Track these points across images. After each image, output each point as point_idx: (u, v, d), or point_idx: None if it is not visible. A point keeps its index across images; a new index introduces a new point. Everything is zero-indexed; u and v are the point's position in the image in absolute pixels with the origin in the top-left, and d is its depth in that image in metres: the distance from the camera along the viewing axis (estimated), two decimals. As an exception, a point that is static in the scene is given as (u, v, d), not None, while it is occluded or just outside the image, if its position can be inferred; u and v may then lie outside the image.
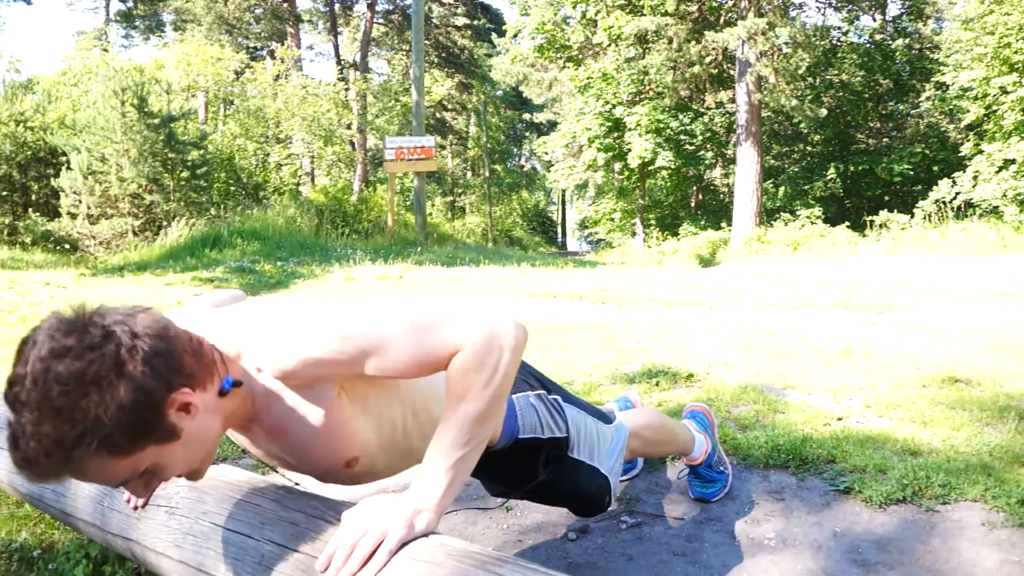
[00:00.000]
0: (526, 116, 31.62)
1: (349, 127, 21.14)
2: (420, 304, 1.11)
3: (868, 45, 19.71)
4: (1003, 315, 4.88)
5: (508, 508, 2.06)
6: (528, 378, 1.56)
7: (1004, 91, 13.12)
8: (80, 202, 12.88)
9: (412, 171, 15.27)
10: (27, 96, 16.37)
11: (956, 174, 14.44)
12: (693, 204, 22.26)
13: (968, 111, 14.24)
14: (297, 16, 25.66)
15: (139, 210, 12.96)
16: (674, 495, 2.12)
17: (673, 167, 19.28)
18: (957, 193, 14.13)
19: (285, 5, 24.97)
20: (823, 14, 20.25)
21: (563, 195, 38.68)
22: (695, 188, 22.19)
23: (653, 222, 21.25)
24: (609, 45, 18.09)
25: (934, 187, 14.67)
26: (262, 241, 12.02)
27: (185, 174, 13.61)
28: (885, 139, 20.15)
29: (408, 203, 18.91)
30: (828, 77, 19.05)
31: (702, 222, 19.48)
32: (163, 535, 1.25)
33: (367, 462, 1.21)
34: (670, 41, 16.86)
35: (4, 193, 14.71)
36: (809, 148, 20.88)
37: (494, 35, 24.67)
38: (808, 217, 16.63)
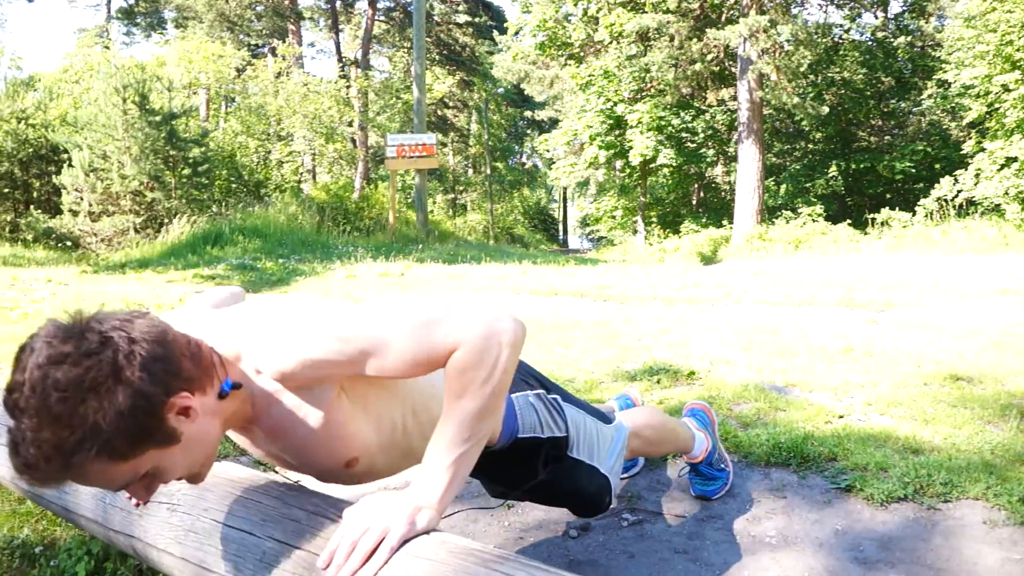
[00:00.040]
0: (527, 113, 31.55)
1: (350, 124, 21.13)
2: (418, 303, 1.11)
3: (870, 43, 19.67)
4: (1005, 313, 4.87)
5: (509, 506, 2.06)
6: (527, 377, 1.56)
7: (1006, 89, 13.09)
8: (82, 199, 12.88)
9: (413, 168, 15.26)
10: (29, 93, 16.37)
11: (958, 172, 14.41)
12: (694, 202, 22.23)
13: (970, 109, 14.22)
14: (298, 13, 25.66)
15: (140, 207, 12.97)
16: (675, 493, 2.12)
17: (674, 165, 19.26)
18: (959, 191, 14.11)
19: (286, 2, 24.98)
20: (825, 11, 20.19)
21: (564, 193, 38.66)
22: (696, 186, 22.16)
23: (654, 220, 21.23)
24: (610, 42, 18.06)
25: (936, 185, 14.64)
26: (264, 238, 12.01)
27: (187, 171, 13.62)
28: (887, 137, 20.12)
29: (409, 200, 18.90)
30: (830, 75, 19.02)
31: (703, 220, 19.45)
32: (165, 532, 1.25)
33: (367, 462, 1.21)
34: (672, 38, 16.83)
35: (6, 190, 14.72)
36: (811, 146, 20.84)
37: (495, 32, 24.63)
38: (809, 215, 16.61)
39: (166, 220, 12.76)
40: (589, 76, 19.31)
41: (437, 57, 26.44)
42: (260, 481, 1.24)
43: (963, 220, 13.80)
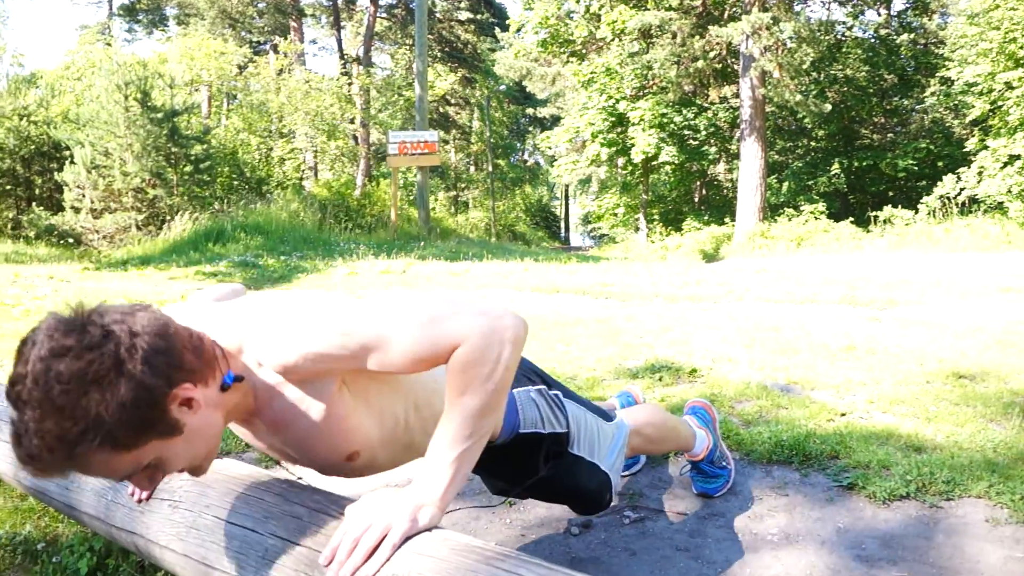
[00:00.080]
0: (529, 111, 31.50)
1: (352, 122, 21.12)
2: (420, 299, 1.11)
3: (873, 40, 19.61)
4: (1007, 311, 4.86)
5: (511, 503, 2.06)
6: (528, 373, 1.56)
7: (1009, 86, 13.06)
8: (83, 196, 12.90)
9: (415, 166, 15.24)
10: (30, 90, 16.41)
11: (961, 170, 14.37)
12: (696, 199, 22.20)
13: (973, 107, 14.17)
14: (300, 10, 25.64)
15: (142, 204, 12.98)
16: (677, 490, 2.12)
17: (676, 162, 19.22)
18: (962, 189, 14.08)
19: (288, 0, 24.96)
20: (828, 9, 20.16)
21: (566, 190, 38.61)
22: (698, 183, 22.12)
23: (656, 217, 21.20)
24: (613, 40, 18.03)
25: (938, 183, 14.60)
26: (265, 235, 12.01)
27: (188, 168, 13.63)
28: (889, 134, 20.06)
29: (411, 198, 18.91)
30: (832, 72, 18.96)
31: (705, 217, 19.43)
32: (167, 529, 1.25)
33: (369, 456, 1.21)
34: (674, 36, 16.81)
35: (8, 187, 14.75)
36: (813, 143, 20.80)
37: (497, 30, 24.61)
38: (812, 212, 16.58)
39: (168, 217, 12.77)
40: (591, 73, 19.29)
41: (439, 54, 26.41)
42: (262, 478, 1.24)
43: (966, 218, 13.77)
